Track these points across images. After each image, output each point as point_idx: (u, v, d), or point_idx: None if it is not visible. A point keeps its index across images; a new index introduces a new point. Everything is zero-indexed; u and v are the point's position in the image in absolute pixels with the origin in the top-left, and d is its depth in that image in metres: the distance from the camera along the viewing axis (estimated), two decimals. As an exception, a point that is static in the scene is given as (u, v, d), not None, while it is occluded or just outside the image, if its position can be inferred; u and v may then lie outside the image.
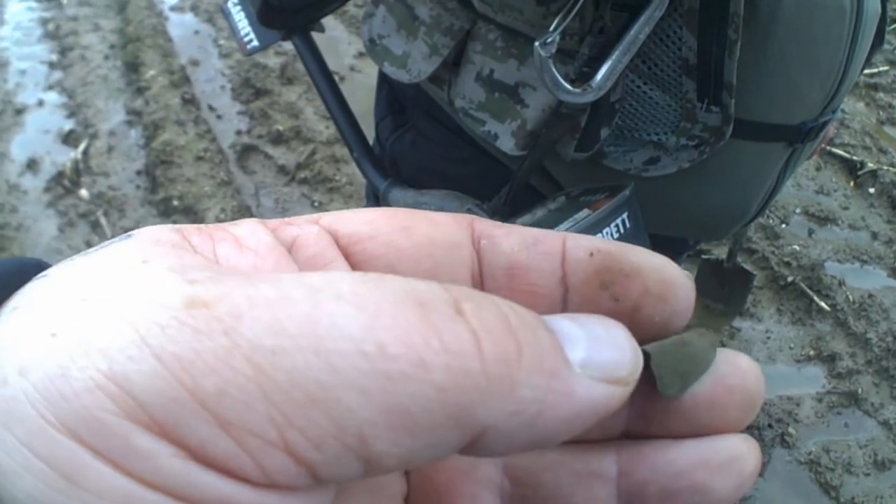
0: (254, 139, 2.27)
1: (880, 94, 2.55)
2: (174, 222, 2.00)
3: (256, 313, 0.15)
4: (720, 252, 1.89)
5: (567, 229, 0.53)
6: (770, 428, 1.65)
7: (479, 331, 0.16)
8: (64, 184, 2.10)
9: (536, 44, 0.51)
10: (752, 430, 1.60)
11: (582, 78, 0.54)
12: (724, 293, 1.73)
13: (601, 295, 0.21)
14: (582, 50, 0.55)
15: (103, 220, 2.00)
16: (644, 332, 0.20)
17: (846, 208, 2.16)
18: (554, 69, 0.52)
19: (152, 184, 2.11)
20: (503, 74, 0.62)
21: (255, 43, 0.90)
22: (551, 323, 0.18)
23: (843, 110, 2.40)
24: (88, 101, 2.39)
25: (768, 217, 2.09)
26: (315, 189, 2.12)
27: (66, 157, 2.18)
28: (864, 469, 1.59)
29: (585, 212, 0.55)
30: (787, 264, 1.97)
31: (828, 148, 2.29)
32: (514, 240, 0.21)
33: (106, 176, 2.15)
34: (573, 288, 0.21)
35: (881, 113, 2.49)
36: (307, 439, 0.15)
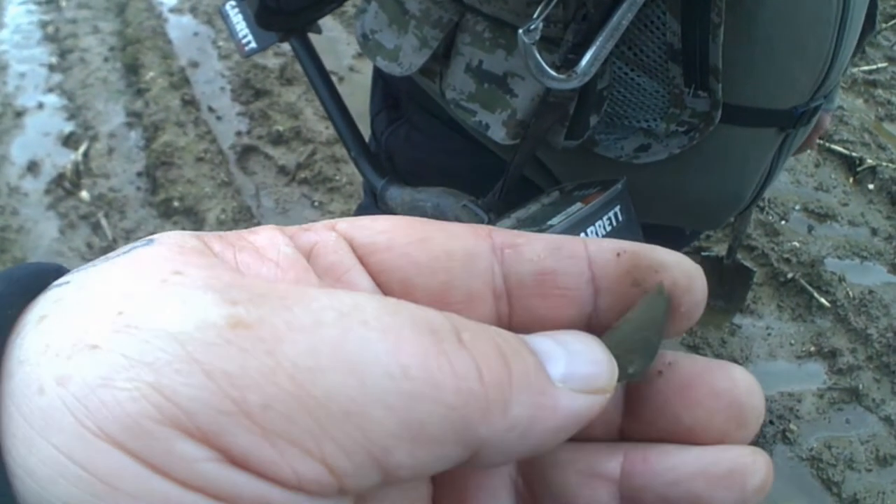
0: (254, 140, 2.27)
1: (879, 91, 2.55)
2: (175, 223, 2.00)
3: (295, 336, 0.17)
4: (720, 249, 1.90)
5: (560, 223, 0.53)
6: (771, 424, 1.65)
7: (478, 357, 0.18)
8: (64, 186, 2.10)
9: (520, 31, 0.52)
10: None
11: (567, 65, 0.54)
12: (724, 290, 1.74)
13: (633, 292, 0.22)
14: (566, 37, 0.55)
15: (104, 222, 2.00)
16: (673, 323, 0.22)
17: (846, 204, 2.16)
18: (538, 56, 0.52)
19: (153, 185, 2.12)
20: (492, 65, 0.63)
21: (254, 45, 0.90)
22: (533, 343, 0.20)
23: (841, 107, 2.40)
24: (88, 103, 2.40)
25: (768, 214, 2.09)
26: (315, 189, 2.13)
27: (67, 159, 2.19)
28: (866, 465, 1.59)
29: (578, 205, 0.56)
30: (787, 261, 1.97)
31: (826, 144, 2.29)
32: (538, 247, 0.22)
33: (106, 178, 2.15)
34: (604, 288, 0.22)
35: (880, 109, 2.49)
36: (340, 449, 0.17)
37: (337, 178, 2.15)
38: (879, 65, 2.64)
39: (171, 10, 2.83)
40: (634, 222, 0.57)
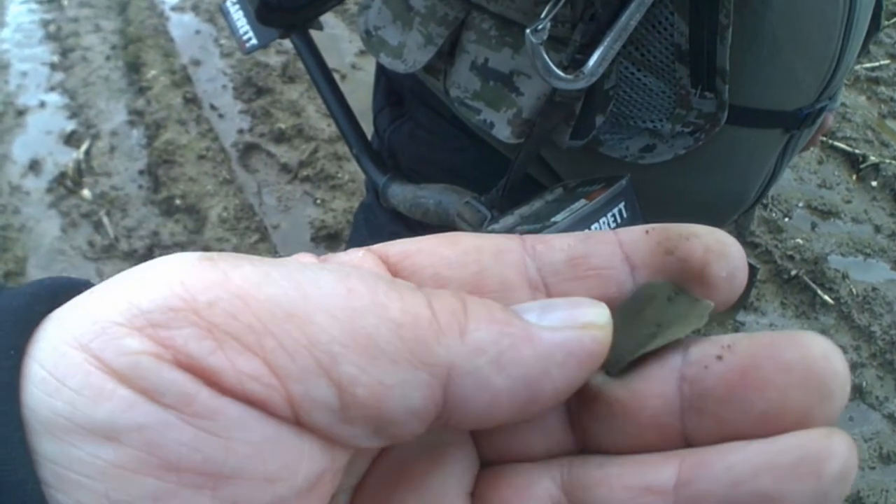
0: (256, 138, 2.27)
1: (882, 88, 2.54)
2: (177, 221, 2.00)
3: (251, 266, 0.19)
4: (723, 246, 1.89)
5: (564, 219, 0.53)
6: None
7: (431, 296, 0.19)
8: (66, 184, 2.10)
9: (528, 31, 0.51)
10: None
11: (574, 65, 0.54)
12: (727, 287, 1.73)
13: (668, 260, 0.22)
14: (574, 37, 0.55)
15: (106, 220, 2.00)
16: (717, 290, 0.21)
17: (849, 202, 2.15)
18: (546, 56, 0.52)
19: (154, 183, 2.12)
20: (498, 63, 0.62)
21: (254, 41, 0.90)
22: (515, 307, 0.21)
23: (844, 104, 2.39)
24: (90, 101, 2.40)
25: (771, 211, 2.09)
26: (318, 187, 2.12)
27: (69, 157, 2.18)
28: (870, 462, 1.59)
29: (582, 202, 0.55)
30: (791, 258, 1.96)
31: (829, 141, 2.28)
32: (567, 238, 0.23)
33: (108, 176, 2.15)
34: (639, 263, 0.22)
35: (883, 106, 2.48)
36: (282, 347, 0.18)
37: (339, 175, 2.15)
38: (882, 62, 2.64)
39: (173, 9, 2.83)
40: (639, 219, 0.56)
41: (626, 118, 0.64)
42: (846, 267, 1.95)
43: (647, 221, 0.62)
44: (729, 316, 1.83)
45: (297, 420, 0.18)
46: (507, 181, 0.65)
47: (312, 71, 0.86)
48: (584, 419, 0.22)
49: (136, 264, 0.20)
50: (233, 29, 0.92)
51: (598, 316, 0.20)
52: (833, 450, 0.18)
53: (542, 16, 0.51)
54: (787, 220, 2.08)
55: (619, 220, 0.55)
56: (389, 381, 0.18)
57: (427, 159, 0.78)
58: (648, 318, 0.21)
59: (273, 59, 2.52)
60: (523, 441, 0.22)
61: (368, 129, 0.86)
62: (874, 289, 1.90)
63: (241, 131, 2.29)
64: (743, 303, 1.82)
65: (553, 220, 0.54)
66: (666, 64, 0.59)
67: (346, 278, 0.19)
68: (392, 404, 0.18)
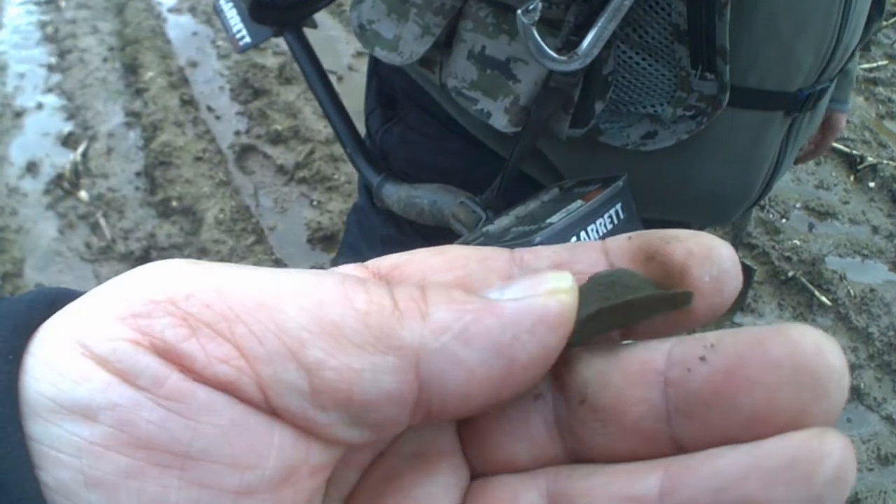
0: (252, 139, 2.27)
1: (879, 89, 2.54)
2: (173, 223, 2.00)
3: (230, 268, 0.20)
4: (720, 247, 1.89)
5: (560, 220, 0.52)
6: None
7: (394, 287, 0.20)
8: (63, 186, 2.10)
9: (519, 11, 0.51)
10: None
11: (569, 46, 0.53)
12: (724, 288, 1.73)
13: (648, 264, 0.21)
14: (567, 18, 0.55)
15: (102, 222, 2.00)
16: (701, 297, 0.20)
17: (846, 203, 2.15)
18: (538, 36, 0.52)
19: (151, 185, 2.11)
20: (495, 50, 0.62)
21: (248, 39, 0.90)
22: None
23: (850, 102, 2.39)
24: (87, 103, 2.40)
25: (768, 212, 2.09)
26: (314, 188, 2.12)
27: (66, 159, 2.18)
28: (867, 464, 1.59)
29: (578, 202, 0.55)
30: (788, 259, 1.96)
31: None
32: (554, 247, 0.23)
33: (105, 177, 2.15)
34: (620, 266, 0.22)
35: (881, 107, 2.49)
36: (251, 333, 0.19)
37: (335, 176, 2.14)
38: (880, 62, 2.64)
39: (170, 10, 2.83)
40: (636, 220, 0.56)
41: (625, 104, 0.63)
42: (844, 268, 1.95)
43: (649, 215, 0.61)
44: (726, 318, 1.82)
45: (268, 405, 0.19)
46: (503, 177, 0.65)
47: (306, 69, 0.86)
48: (570, 426, 0.21)
49: (132, 266, 0.21)
50: (226, 27, 0.92)
51: (561, 281, 0.20)
52: (825, 451, 0.17)
53: None
54: (784, 221, 2.08)
55: (615, 220, 0.55)
56: (358, 365, 0.19)
57: (419, 161, 0.77)
58: (611, 293, 0.21)
59: (270, 60, 2.52)
60: (511, 451, 0.22)
61: (364, 130, 0.86)
62: (872, 290, 1.90)
63: (237, 133, 2.29)
64: (740, 305, 1.82)
65: (549, 220, 0.53)
66: (665, 45, 0.58)
67: (317, 276, 0.20)
68: (363, 387, 0.19)
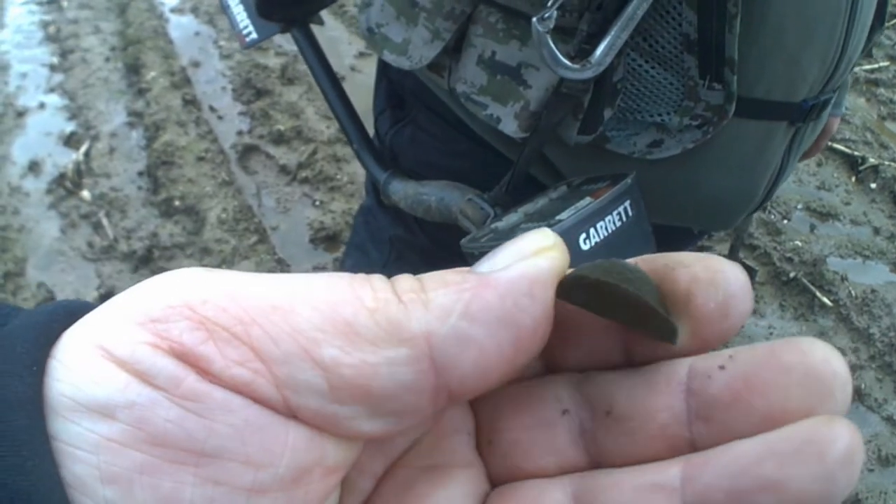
0: (255, 139, 2.27)
1: (881, 90, 2.55)
2: (176, 223, 2.00)
3: (245, 275, 0.21)
4: (722, 249, 1.89)
5: (569, 217, 0.52)
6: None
7: (394, 282, 0.21)
8: (65, 185, 2.10)
9: (534, 19, 0.51)
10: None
11: (581, 54, 0.54)
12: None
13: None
14: (580, 26, 0.55)
15: (105, 221, 2.00)
16: (706, 323, 0.21)
17: (848, 204, 2.16)
18: (552, 44, 0.52)
19: (154, 184, 2.12)
20: (505, 56, 0.62)
21: (254, 35, 0.90)
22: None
23: (844, 106, 2.39)
24: (89, 103, 2.40)
25: (770, 213, 2.09)
26: (316, 188, 2.12)
27: (68, 158, 2.18)
28: (868, 465, 1.59)
29: (587, 200, 0.55)
30: (790, 260, 1.97)
31: (828, 143, 2.29)
32: None
33: (107, 177, 2.15)
34: None
35: (882, 108, 2.49)
36: (266, 334, 0.19)
37: (338, 177, 2.14)
38: (881, 64, 2.64)
39: (173, 10, 2.83)
40: (644, 218, 0.56)
41: (633, 112, 0.63)
42: (845, 269, 1.95)
43: (655, 220, 0.61)
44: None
45: (286, 405, 0.20)
46: (511, 178, 0.65)
47: (313, 66, 0.86)
48: (595, 437, 0.22)
49: (135, 265, 0.21)
50: (233, 23, 0.92)
51: (543, 238, 0.21)
52: (836, 433, 0.18)
53: (549, 4, 0.51)
54: (785, 221, 2.08)
55: (623, 218, 0.55)
56: (373, 360, 0.20)
57: (428, 163, 0.77)
58: (612, 276, 0.21)
59: (272, 60, 2.52)
60: (534, 459, 0.23)
61: (368, 130, 0.86)
62: (873, 291, 1.90)
63: (240, 133, 2.29)
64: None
65: (558, 217, 0.53)
66: (674, 55, 0.59)
67: (327, 277, 0.21)
68: (381, 381, 0.20)
